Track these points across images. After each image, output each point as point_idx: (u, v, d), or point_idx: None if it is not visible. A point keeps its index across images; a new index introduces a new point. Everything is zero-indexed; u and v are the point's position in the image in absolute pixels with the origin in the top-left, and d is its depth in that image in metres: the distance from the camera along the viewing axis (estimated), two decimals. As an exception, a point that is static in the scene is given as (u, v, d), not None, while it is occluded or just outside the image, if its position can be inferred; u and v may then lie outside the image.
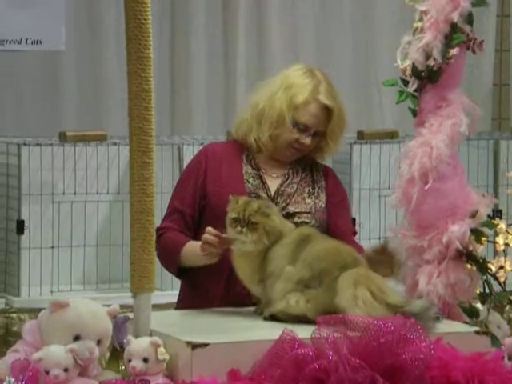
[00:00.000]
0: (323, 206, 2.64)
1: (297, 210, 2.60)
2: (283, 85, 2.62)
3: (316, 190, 2.66)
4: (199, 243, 2.45)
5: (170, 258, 2.56)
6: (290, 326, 2.13)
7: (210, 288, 2.55)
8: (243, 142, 2.66)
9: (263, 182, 2.63)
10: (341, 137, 2.68)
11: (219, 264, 2.48)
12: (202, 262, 2.48)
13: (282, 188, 2.63)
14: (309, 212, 2.61)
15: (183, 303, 2.64)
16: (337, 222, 2.64)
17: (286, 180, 2.65)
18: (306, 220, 2.60)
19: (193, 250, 2.50)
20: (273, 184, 2.63)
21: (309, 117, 2.60)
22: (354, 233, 2.73)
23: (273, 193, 2.62)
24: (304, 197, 2.63)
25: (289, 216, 2.57)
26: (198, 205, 2.60)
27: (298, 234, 2.41)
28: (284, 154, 2.65)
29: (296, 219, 2.58)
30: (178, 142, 3.72)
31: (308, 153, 2.67)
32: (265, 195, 2.61)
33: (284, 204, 2.61)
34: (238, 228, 2.35)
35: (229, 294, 2.53)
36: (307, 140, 2.61)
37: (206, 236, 2.43)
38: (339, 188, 2.72)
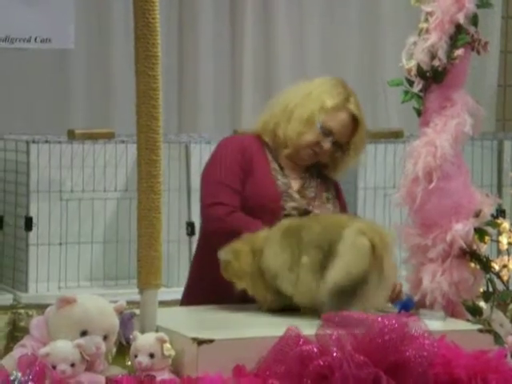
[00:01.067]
0: (336, 212, 2.70)
1: (321, 212, 2.65)
2: (316, 90, 2.69)
3: (331, 197, 2.72)
4: None
5: None
6: (295, 322, 2.15)
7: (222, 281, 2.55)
8: (265, 136, 2.70)
9: (290, 184, 2.68)
10: (361, 152, 2.74)
11: None
12: None
13: (303, 190, 2.69)
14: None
15: (191, 290, 2.66)
16: None
17: (305, 183, 2.70)
18: None
19: None
20: (294, 185, 2.68)
21: (336, 123, 2.66)
22: None
23: (296, 192, 2.67)
24: (323, 201, 2.69)
25: None
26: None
27: (281, 229, 2.42)
28: (301, 156, 2.69)
29: None
30: (185, 140, 3.73)
31: (322, 167, 2.72)
32: (296, 195, 2.66)
33: (311, 207, 2.66)
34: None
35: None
36: (327, 145, 2.67)
37: None
38: (345, 204, 2.80)
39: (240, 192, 2.61)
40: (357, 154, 2.72)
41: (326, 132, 2.66)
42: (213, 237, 2.59)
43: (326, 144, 2.67)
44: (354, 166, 2.83)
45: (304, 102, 2.67)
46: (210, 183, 2.64)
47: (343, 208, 2.76)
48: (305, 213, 2.63)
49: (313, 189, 2.70)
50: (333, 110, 2.66)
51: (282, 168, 2.69)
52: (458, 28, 2.50)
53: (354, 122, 2.68)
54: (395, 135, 3.82)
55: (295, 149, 2.68)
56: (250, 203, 2.58)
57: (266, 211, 2.57)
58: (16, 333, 3.43)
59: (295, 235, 2.39)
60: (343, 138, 2.68)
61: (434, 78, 2.51)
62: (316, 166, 2.73)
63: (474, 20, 2.52)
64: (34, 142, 3.53)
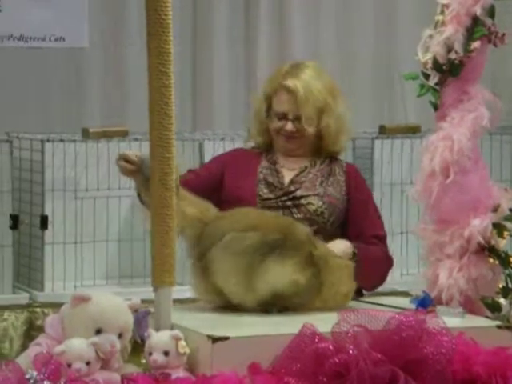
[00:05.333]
0: (337, 196, 2.69)
1: (304, 194, 2.69)
2: (264, 83, 2.81)
3: (331, 180, 2.72)
4: None
5: None
6: (311, 320, 2.12)
7: None
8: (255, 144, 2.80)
9: (277, 172, 2.73)
10: (317, 119, 2.72)
11: None
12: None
13: (297, 178, 2.73)
14: (316, 194, 2.68)
15: None
16: (358, 225, 2.69)
17: (303, 171, 2.74)
18: (313, 201, 2.67)
19: None
20: (288, 175, 2.73)
21: (279, 103, 2.71)
22: (380, 236, 2.72)
23: (287, 181, 2.71)
24: (315, 184, 2.71)
25: (295, 199, 2.67)
26: (213, 181, 2.69)
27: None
28: (281, 145, 2.76)
29: (302, 201, 2.67)
30: (199, 137, 3.73)
31: (319, 146, 2.75)
32: (275, 181, 2.71)
33: (293, 189, 2.69)
34: None
35: None
36: (289, 126, 2.72)
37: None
38: (363, 188, 2.78)
39: (201, 174, 2.71)
40: (310, 124, 2.70)
41: (280, 116, 2.72)
42: None
43: (288, 126, 2.72)
44: (336, 126, 2.76)
45: (254, 103, 2.80)
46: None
47: (359, 193, 2.73)
48: (284, 195, 2.68)
49: (310, 175, 2.73)
50: (273, 94, 2.72)
51: (275, 163, 2.74)
52: (475, 20, 2.48)
53: (293, 93, 2.70)
54: (412, 130, 3.79)
55: (275, 145, 2.76)
56: (228, 197, 2.64)
57: (241, 199, 2.62)
58: (32, 332, 3.43)
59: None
60: (297, 111, 2.70)
61: (450, 71, 2.49)
62: (323, 152, 2.76)
63: (490, 12, 2.50)
64: (48, 140, 3.53)
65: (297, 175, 2.72)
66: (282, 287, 2.35)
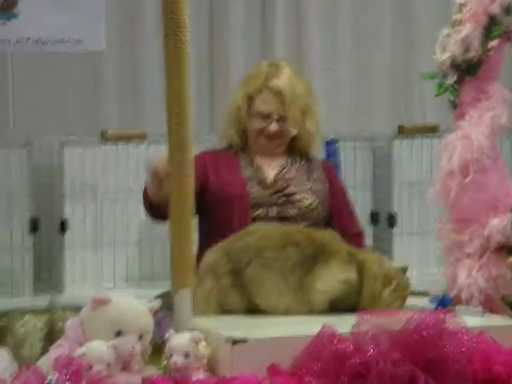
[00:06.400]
0: (323, 191, 2.74)
1: (296, 190, 2.72)
2: (241, 81, 2.81)
3: (314, 176, 2.76)
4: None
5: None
6: (329, 320, 2.12)
7: None
8: (231, 143, 2.81)
9: (259, 170, 2.76)
10: (301, 120, 2.74)
11: None
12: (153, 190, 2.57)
13: (281, 175, 2.76)
14: (308, 190, 2.72)
15: None
16: (341, 221, 2.75)
17: (284, 168, 2.77)
18: (306, 197, 2.72)
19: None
20: (270, 173, 2.76)
21: (263, 103, 2.70)
22: (361, 233, 2.79)
23: (272, 178, 2.74)
24: (303, 179, 2.75)
25: (288, 196, 2.70)
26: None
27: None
28: (261, 145, 2.76)
29: (296, 197, 2.70)
30: (216, 139, 3.73)
31: (294, 145, 2.77)
32: (261, 178, 2.74)
33: (285, 185, 2.72)
34: None
35: None
36: (272, 127, 2.73)
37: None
38: (341, 184, 2.86)
39: None
40: (294, 125, 2.71)
41: (263, 116, 2.71)
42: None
43: (271, 126, 2.73)
44: (315, 129, 2.79)
45: (231, 100, 2.78)
46: None
47: (337, 188, 2.79)
48: (276, 192, 2.69)
49: (293, 171, 2.75)
50: (256, 95, 2.71)
51: (253, 162, 2.74)
52: (492, 19, 2.47)
53: (280, 94, 2.70)
54: (431, 130, 3.78)
55: (252, 146, 2.76)
56: (217, 194, 2.65)
57: (232, 197, 2.64)
58: (53, 335, 3.44)
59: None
60: (282, 112, 2.70)
61: (468, 70, 2.48)
62: (297, 151, 2.78)
63: (508, 11, 2.48)
64: (67, 143, 3.54)
65: (279, 172, 2.74)
66: (338, 291, 2.33)
